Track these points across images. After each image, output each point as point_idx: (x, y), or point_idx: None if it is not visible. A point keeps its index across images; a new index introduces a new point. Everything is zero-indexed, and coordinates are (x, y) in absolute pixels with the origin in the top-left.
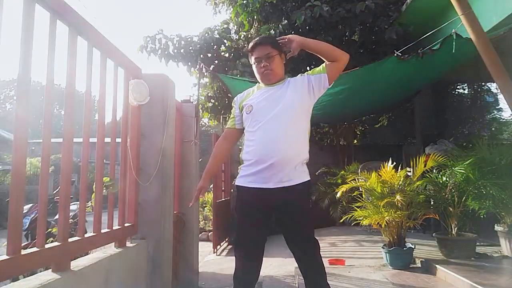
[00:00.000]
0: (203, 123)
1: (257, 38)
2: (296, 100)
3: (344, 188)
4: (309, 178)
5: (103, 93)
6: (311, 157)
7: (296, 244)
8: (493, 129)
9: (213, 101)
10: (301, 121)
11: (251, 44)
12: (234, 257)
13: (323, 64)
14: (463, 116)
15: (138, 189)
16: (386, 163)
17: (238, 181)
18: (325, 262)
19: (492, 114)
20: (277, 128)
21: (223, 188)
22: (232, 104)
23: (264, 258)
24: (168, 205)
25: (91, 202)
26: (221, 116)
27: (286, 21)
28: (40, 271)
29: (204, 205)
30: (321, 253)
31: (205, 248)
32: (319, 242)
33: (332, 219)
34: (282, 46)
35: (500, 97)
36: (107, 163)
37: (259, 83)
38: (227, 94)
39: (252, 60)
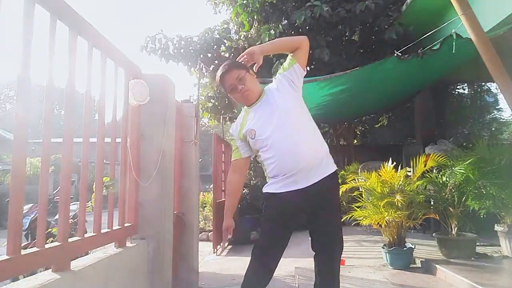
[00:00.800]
0: (203, 123)
1: (220, 70)
2: (287, 102)
3: (344, 188)
4: (336, 168)
5: (103, 93)
6: None
7: (324, 243)
8: (493, 129)
9: (213, 101)
10: (303, 118)
11: (217, 78)
12: (234, 257)
13: (289, 56)
14: (463, 116)
15: (138, 189)
16: (386, 163)
17: (268, 189)
18: None
19: (492, 114)
20: (287, 138)
21: (223, 188)
22: (230, 137)
23: None
24: (168, 205)
25: (91, 202)
26: (221, 116)
27: (286, 21)
28: (40, 271)
29: (204, 205)
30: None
31: (205, 248)
32: (343, 243)
33: None
34: (246, 63)
35: (500, 97)
36: (107, 163)
37: (245, 108)
38: (227, 94)
39: (228, 90)
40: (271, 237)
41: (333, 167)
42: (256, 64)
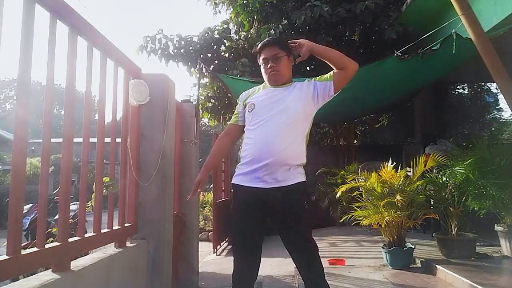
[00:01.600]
0: (203, 123)
1: (266, 39)
2: (298, 104)
3: (344, 188)
4: (304, 179)
5: (103, 93)
6: (311, 157)
7: (292, 244)
8: (493, 129)
9: (213, 101)
10: (301, 125)
11: (259, 45)
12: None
13: (331, 72)
14: (463, 116)
15: (138, 189)
16: (386, 163)
17: (234, 180)
18: (325, 262)
19: (492, 114)
20: (275, 129)
21: (223, 188)
22: (237, 100)
23: (264, 258)
24: (168, 205)
25: (91, 202)
26: (221, 116)
27: (286, 21)
28: (40, 271)
29: (204, 205)
30: (319, 253)
31: (205, 248)
32: (315, 242)
33: (332, 219)
34: (292, 49)
35: (500, 97)
36: (107, 163)
37: (264, 83)
38: (227, 94)
39: (260, 61)
40: (242, 228)
41: (301, 177)
42: (300, 57)
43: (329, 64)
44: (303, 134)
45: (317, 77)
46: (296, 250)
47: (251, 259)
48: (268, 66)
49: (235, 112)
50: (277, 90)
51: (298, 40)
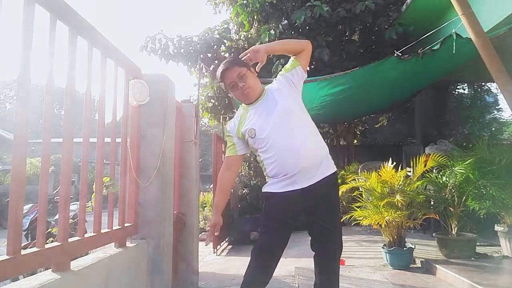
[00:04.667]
0: (203, 123)
1: (221, 66)
2: (287, 102)
3: (344, 188)
4: (335, 169)
5: (103, 93)
6: None
7: (323, 243)
8: (493, 129)
9: (213, 101)
10: (303, 118)
11: (219, 74)
12: (234, 257)
13: (292, 58)
14: (463, 116)
15: (138, 189)
16: (386, 163)
17: (268, 189)
18: None
19: (492, 114)
20: (286, 137)
21: None
22: (227, 134)
23: None
24: (168, 205)
25: (91, 202)
26: (221, 116)
27: (286, 21)
28: (40, 271)
29: (204, 205)
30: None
31: (205, 248)
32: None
33: None
34: (248, 61)
35: (500, 97)
36: (107, 163)
37: (243, 106)
38: (227, 94)
39: (227, 87)
40: (270, 237)
41: (332, 168)
42: (259, 63)
43: (288, 54)
44: (310, 123)
45: (282, 71)
46: (324, 250)
47: (270, 267)
48: (239, 87)
49: (229, 144)
50: (260, 105)
51: (250, 50)
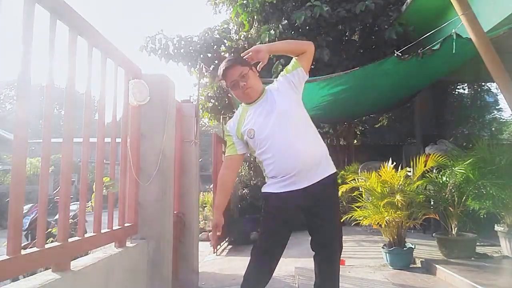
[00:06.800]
0: (203, 123)
1: (223, 64)
2: (287, 103)
3: (344, 188)
4: (335, 170)
5: (103, 93)
6: None
7: (323, 243)
8: (493, 129)
9: (213, 101)
10: (302, 119)
11: (220, 72)
12: (234, 257)
13: (294, 59)
14: (463, 116)
15: (138, 189)
16: (386, 163)
17: (267, 189)
18: None
19: (492, 114)
20: (286, 138)
21: None
22: (226, 133)
23: None
24: (168, 205)
25: (91, 202)
26: (221, 116)
27: (286, 21)
28: (40, 271)
29: (204, 205)
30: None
31: (205, 248)
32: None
33: None
34: (250, 60)
35: (500, 97)
36: (107, 163)
37: (243, 105)
38: (227, 94)
39: (228, 86)
40: (270, 237)
41: (332, 169)
42: (261, 63)
43: (290, 55)
44: (310, 124)
45: (284, 72)
46: (324, 250)
47: (270, 267)
48: (240, 86)
49: (229, 144)
50: (260, 105)
51: (251, 49)
